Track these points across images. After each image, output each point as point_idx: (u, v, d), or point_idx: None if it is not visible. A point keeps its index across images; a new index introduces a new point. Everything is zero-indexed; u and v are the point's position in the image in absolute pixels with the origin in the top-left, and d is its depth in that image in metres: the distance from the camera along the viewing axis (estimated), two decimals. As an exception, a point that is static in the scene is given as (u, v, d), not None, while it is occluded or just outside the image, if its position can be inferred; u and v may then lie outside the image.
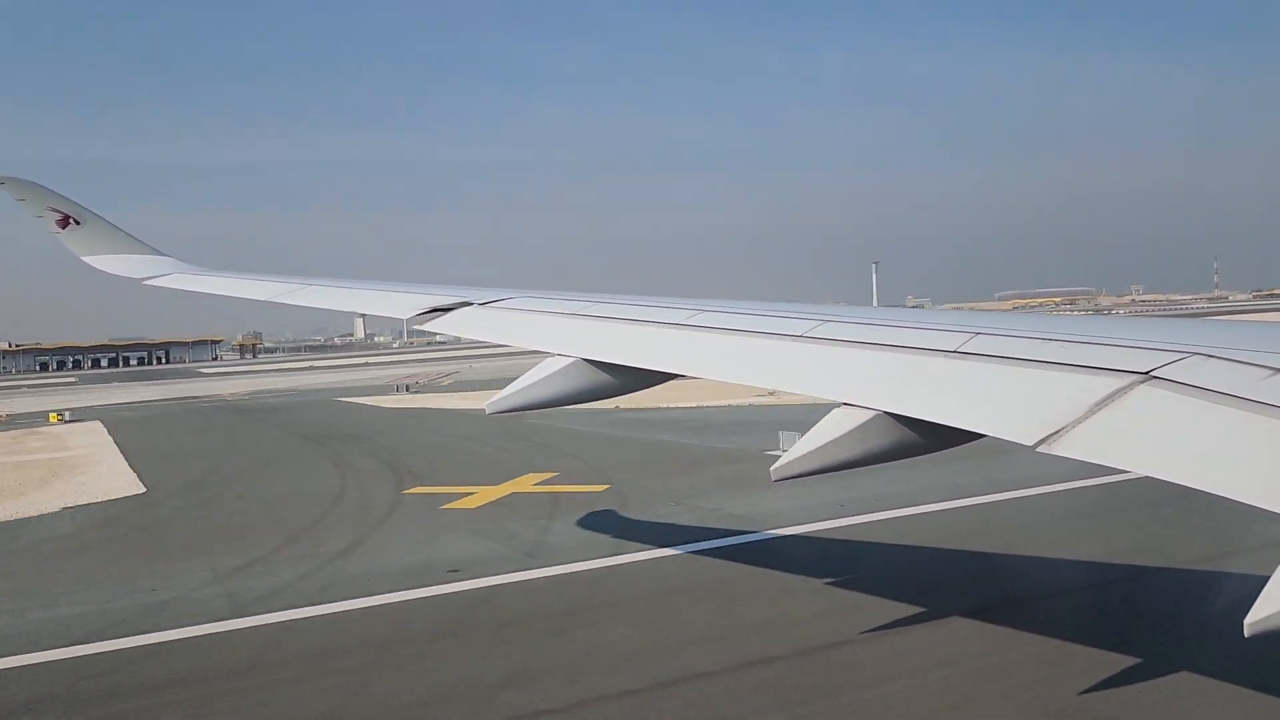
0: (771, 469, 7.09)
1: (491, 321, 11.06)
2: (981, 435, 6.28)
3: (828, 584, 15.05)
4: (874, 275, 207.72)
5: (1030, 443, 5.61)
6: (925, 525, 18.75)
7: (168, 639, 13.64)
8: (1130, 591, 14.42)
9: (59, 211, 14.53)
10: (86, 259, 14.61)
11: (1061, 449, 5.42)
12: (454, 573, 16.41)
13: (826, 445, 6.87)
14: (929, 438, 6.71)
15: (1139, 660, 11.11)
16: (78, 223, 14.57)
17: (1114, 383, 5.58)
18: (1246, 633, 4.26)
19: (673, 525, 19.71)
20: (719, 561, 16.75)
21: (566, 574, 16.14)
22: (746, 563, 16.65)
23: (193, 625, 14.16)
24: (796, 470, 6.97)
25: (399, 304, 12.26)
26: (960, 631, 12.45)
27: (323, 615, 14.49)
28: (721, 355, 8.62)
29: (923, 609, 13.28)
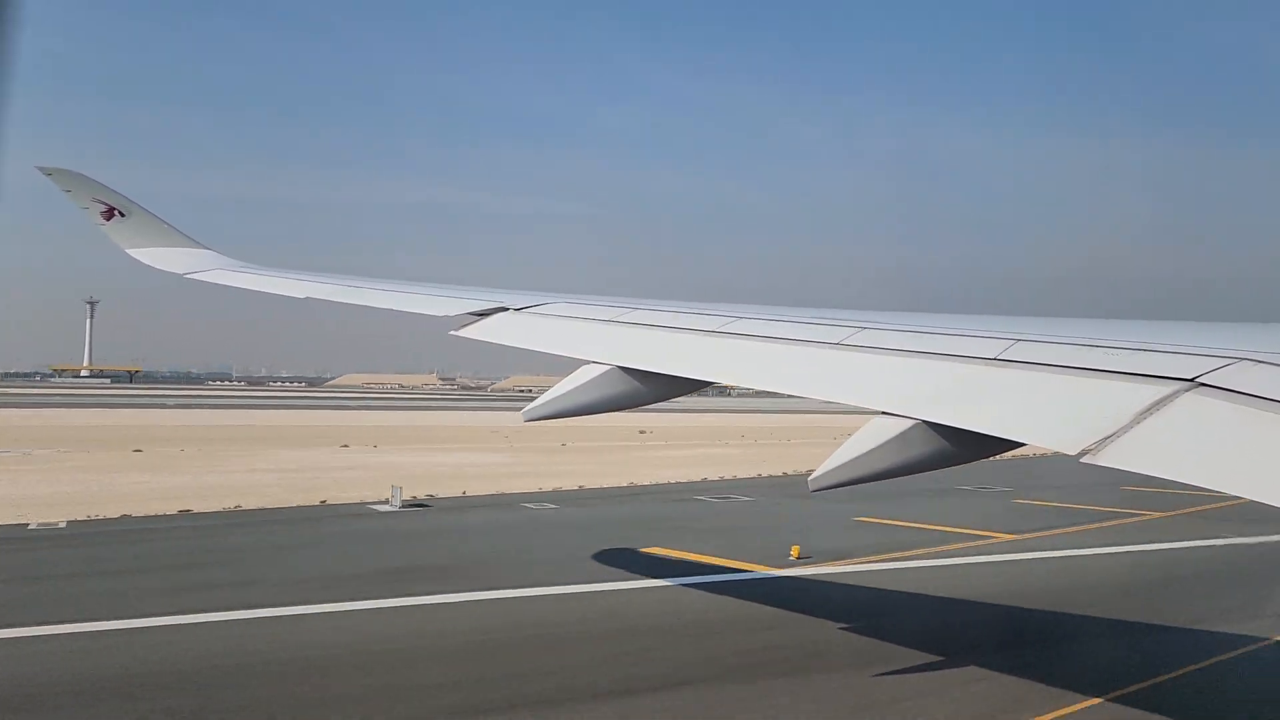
0: (809, 478, 6.98)
1: (527, 328, 10.94)
2: (1022, 444, 6.21)
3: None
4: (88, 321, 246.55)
5: (1073, 452, 5.49)
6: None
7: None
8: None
9: (104, 203, 14.60)
10: (130, 252, 14.66)
11: (1106, 459, 5.29)
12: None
13: (865, 455, 6.73)
14: (969, 447, 6.57)
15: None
16: (123, 215, 14.61)
17: (1159, 390, 5.46)
18: None
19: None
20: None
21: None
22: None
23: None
24: (834, 480, 6.83)
25: (436, 307, 12.07)
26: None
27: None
28: (758, 363, 8.51)
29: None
